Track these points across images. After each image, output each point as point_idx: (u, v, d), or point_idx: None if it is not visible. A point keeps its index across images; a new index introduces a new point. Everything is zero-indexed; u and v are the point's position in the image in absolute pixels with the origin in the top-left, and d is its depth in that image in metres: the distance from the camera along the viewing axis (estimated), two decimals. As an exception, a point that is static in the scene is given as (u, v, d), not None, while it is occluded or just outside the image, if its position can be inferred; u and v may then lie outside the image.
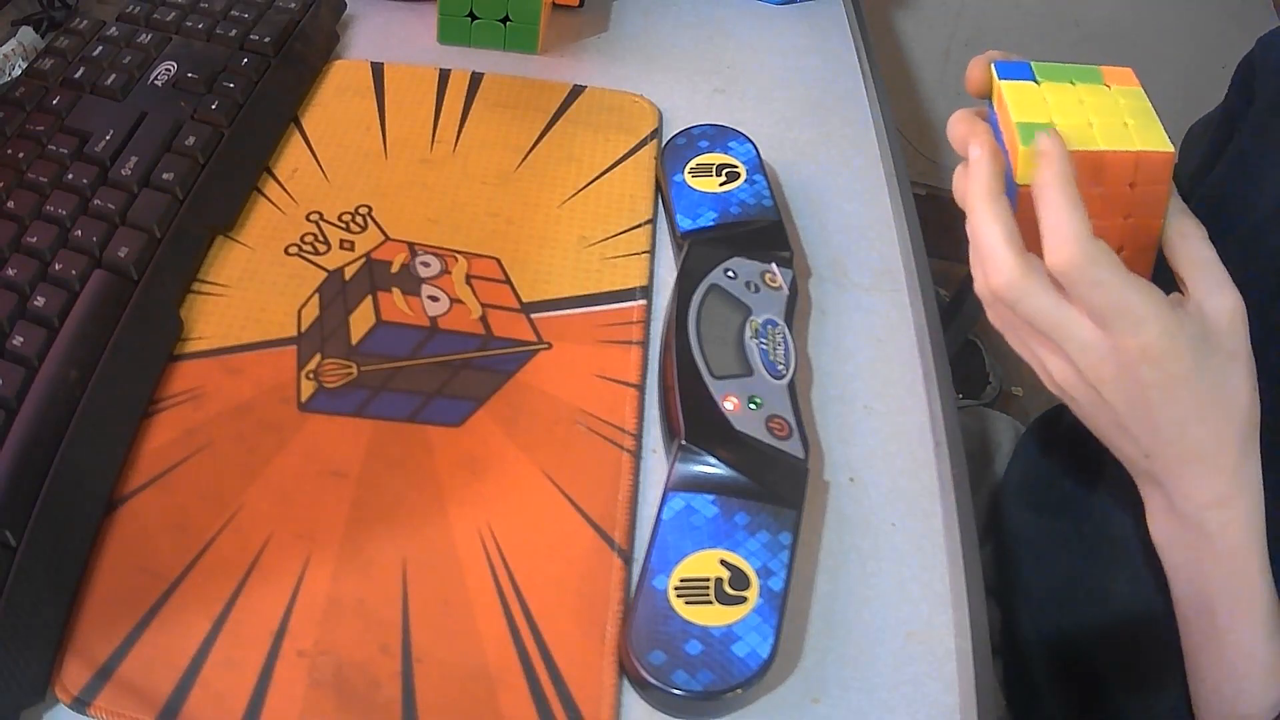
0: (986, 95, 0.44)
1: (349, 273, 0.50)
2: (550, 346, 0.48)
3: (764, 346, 0.47)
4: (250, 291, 0.49)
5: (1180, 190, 0.61)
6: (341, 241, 0.51)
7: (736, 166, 0.56)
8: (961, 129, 0.43)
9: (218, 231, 0.51)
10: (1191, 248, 0.40)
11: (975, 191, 0.40)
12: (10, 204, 0.46)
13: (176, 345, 0.46)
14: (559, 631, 0.39)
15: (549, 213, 0.55)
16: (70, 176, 0.48)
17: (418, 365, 0.47)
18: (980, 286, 0.42)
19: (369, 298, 0.49)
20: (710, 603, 0.38)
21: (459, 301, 0.49)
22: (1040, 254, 0.39)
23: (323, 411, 0.44)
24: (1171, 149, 0.41)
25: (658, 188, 0.57)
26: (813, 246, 0.56)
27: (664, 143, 0.58)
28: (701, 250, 0.51)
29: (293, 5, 0.61)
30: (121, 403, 0.43)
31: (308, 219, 0.52)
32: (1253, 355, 0.40)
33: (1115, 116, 0.42)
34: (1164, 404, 0.39)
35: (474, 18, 0.64)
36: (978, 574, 0.44)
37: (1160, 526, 0.42)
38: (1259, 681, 0.40)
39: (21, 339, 0.41)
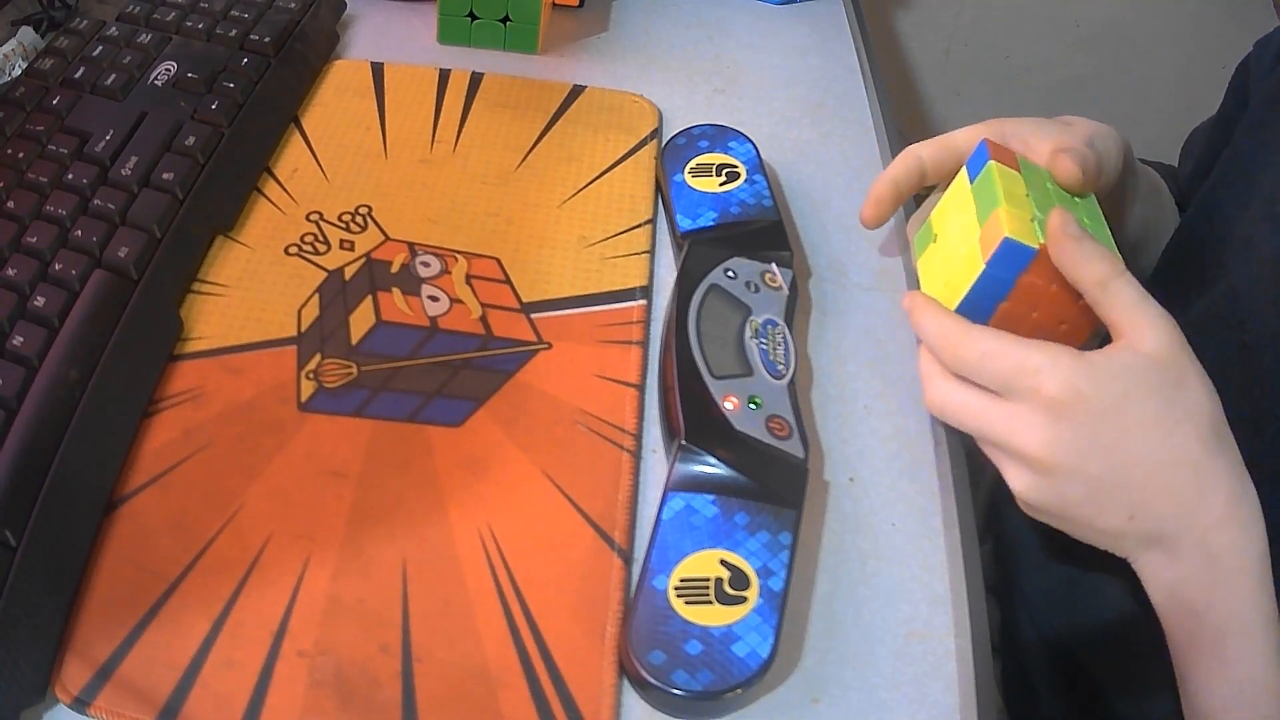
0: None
1: (349, 273, 0.50)
2: (550, 346, 0.48)
3: (764, 346, 0.47)
4: (250, 291, 0.49)
5: (1179, 195, 0.61)
6: (341, 241, 0.51)
7: (736, 166, 0.56)
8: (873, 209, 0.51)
9: (218, 231, 0.51)
10: (1111, 294, 0.40)
11: (918, 320, 0.44)
12: (10, 204, 0.46)
13: (176, 345, 0.46)
14: (559, 631, 0.39)
15: (549, 213, 0.55)
16: (70, 176, 0.48)
17: (418, 365, 0.47)
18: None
19: (369, 298, 0.49)
20: (710, 603, 0.38)
21: (459, 301, 0.49)
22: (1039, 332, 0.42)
23: (323, 411, 0.44)
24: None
25: (658, 188, 0.57)
26: (813, 246, 0.56)
27: (664, 143, 0.58)
28: (701, 250, 0.51)
29: (293, 5, 0.61)
30: (121, 403, 0.43)
31: (308, 219, 0.52)
32: (1201, 370, 0.40)
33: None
34: (1120, 437, 0.38)
35: (474, 18, 0.64)
36: (978, 574, 0.44)
37: (1163, 578, 0.41)
38: (1270, 706, 0.39)
39: (21, 339, 0.41)
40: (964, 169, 0.47)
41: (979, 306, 0.44)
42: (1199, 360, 0.40)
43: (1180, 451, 0.39)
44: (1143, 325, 0.39)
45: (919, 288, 0.47)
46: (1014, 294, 0.43)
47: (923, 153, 0.50)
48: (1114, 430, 0.38)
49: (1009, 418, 0.40)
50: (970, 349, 0.41)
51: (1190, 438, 0.39)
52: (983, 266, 0.42)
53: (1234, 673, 0.39)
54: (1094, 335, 0.44)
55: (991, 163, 0.45)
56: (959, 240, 0.45)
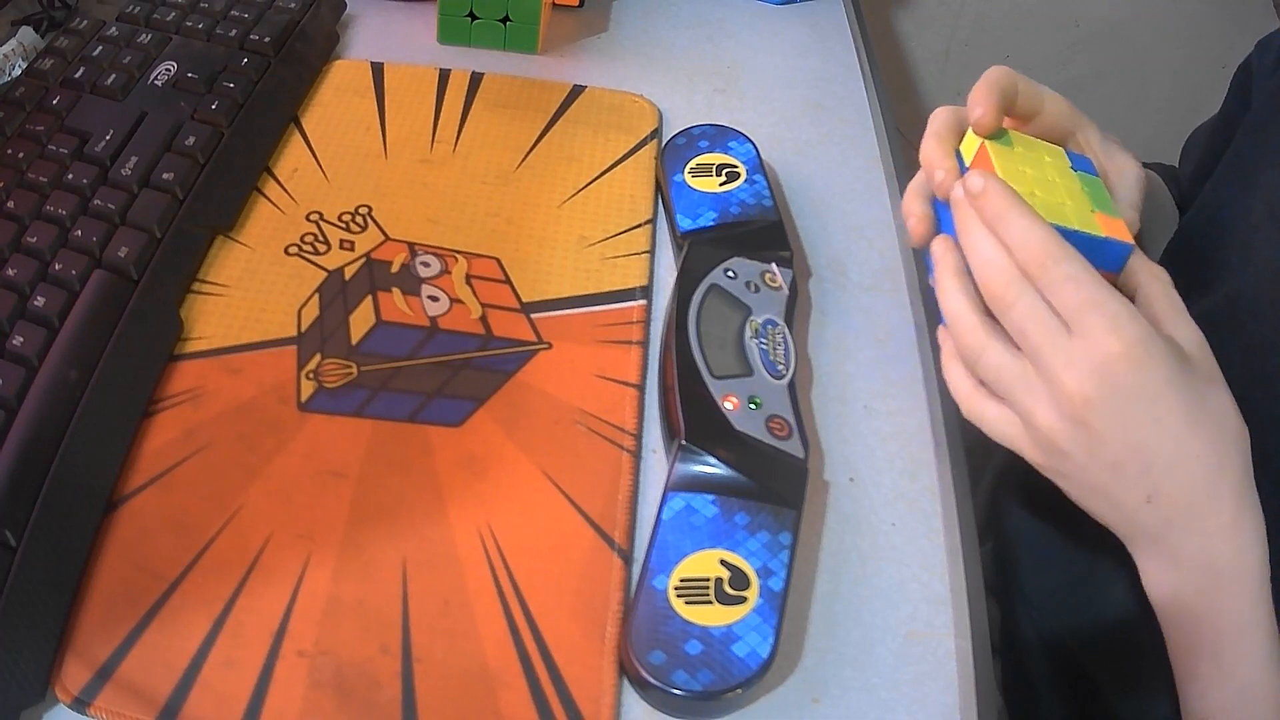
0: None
1: (349, 273, 0.50)
2: (550, 346, 0.48)
3: (764, 346, 0.47)
4: (250, 291, 0.49)
5: (1179, 196, 0.61)
6: (341, 241, 0.51)
7: (736, 166, 0.56)
8: (914, 222, 0.47)
9: (218, 231, 0.51)
10: (1154, 290, 0.41)
11: (942, 272, 0.43)
12: (10, 204, 0.46)
13: (176, 345, 0.46)
14: (559, 631, 0.39)
15: (549, 213, 0.55)
16: (70, 176, 0.48)
17: (418, 365, 0.47)
18: (947, 359, 0.44)
19: (369, 298, 0.49)
20: (710, 603, 0.38)
21: (459, 301, 0.49)
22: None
23: (323, 411, 0.44)
24: (1132, 243, 0.43)
25: (658, 188, 0.57)
26: (813, 246, 0.56)
27: (664, 143, 0.58)
28: (701, 250, 0.51)
29: (293, 5, 0.61)
30: (121, 403, 0.43)
31: (308, 219, 0.52)
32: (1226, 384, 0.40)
33: (1082, 202, 0.44)
34: (1153, 420, 0.38)
35: (474, 18, 0.64)
36: (978, 574, 0.44)
37: (1163, 579, 0.40)
38: (1268, 713, 0.39)
39: (21, 339, 0.41)
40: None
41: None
42: None
43: (1205, 448, 0.38)
44: (1182, 322, 0.41)
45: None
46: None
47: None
48: (1153, 409, 0.38)
49: (1064, 350, 0.38)
50: (1063, 266, 0.39)
51: (1217, 438, 0.39)
52: (1101, 235, 0.42)
53: (1232, 680, 0.39)
54: None
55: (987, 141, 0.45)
56: (1060, 185, 0.44)
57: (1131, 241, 0.43)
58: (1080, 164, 0.46)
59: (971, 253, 0.42)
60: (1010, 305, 0.40)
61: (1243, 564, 0.39)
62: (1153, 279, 0.42)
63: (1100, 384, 0.38)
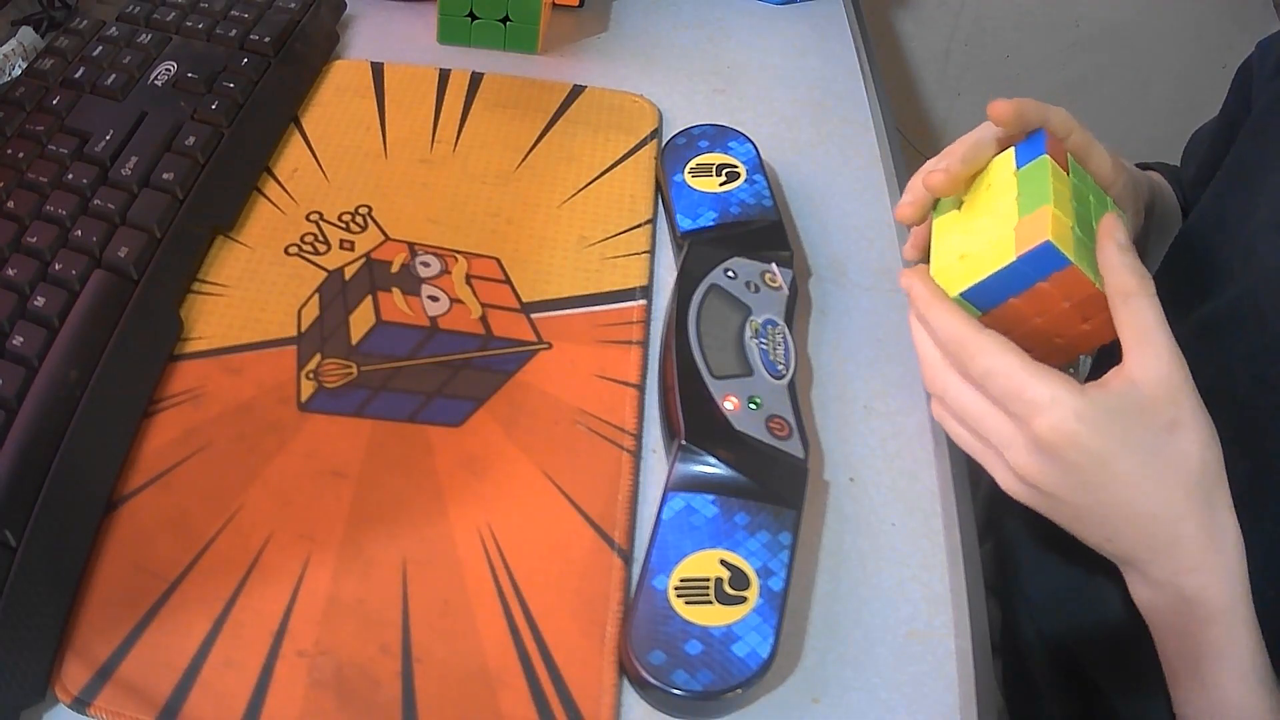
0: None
1: (349, 273, 0.50)
2: (550, 346, 0.48)
3: (764, 346, 0.47)
4: (250, 291, 0.49)
5: (1183, 200, 0.60)
6: (341, 241, 0.51)
7: (736, 166, 0.56)
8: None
9: (218, 231, 0.51)
10: (1131, 310, 0.40)
11: (911, 309, 0.44)
12: (10, 204, 0.46)
13: (176, 345, 0.46)
14: (559, 631, 0.39)
15: (549, 213, 0.55)
16: (70, 176, 0.48)
17: (418, 365, 0.47)
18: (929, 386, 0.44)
19: (369, 298, 0.49)
20: (710, 603, 0.38)
21: (459, 301, 0.49)
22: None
23: (323, 411, 0.44)
24: (1047, 238, 0.41)
25: (658, 188, 0.57)
26: (813, 246, 0.56)
27: (664, 143, 0.58)
28: (701, 250, 0.51)
29: (293, 5, 0.61)
30: (121, 403, 0.42)
31: (308, 219, 0.52)
32: (1200, 412, 0.39)
33: (1009, 211, 0.43)
34: (1104, 483, 0.39)
35: (474, 18, 0.64)
36: (978, 574, 0.44)
37: (1140, 593, 0.42)
38: None
39: (21, 339, 0.41)
40: (1012, 149, 0.45)
41: (990, 294, 0.43)
42: (1203, 370, 0.40)
43: (1160, 506, 0.39)
44: (1149, 353, 0.39)
45: (928, 251, 0.46)
46: (1029, 294, 0.42)
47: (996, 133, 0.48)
48: (1101, 475, 0.38)
49: (1003, 430, 0.40)
50: (977, 363, 0.40)
51: (1173, 491, 0.39)
52: (1013, 258, 0.41)
53: (1212, 694, 0.40)
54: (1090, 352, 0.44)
55: (1046, 157, 0.43)
56: (992, 222, 0.43)
57: (1046, 237, 0.40)
58: (1026, 154, 0.45)
59: (914, 341, 0.45)
60: (943, 393, 0.43)
61: (1215, 594, 0.39)
62: (1125, 298, 0.40)
63: (1040, 459, 0.39)
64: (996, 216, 0.43)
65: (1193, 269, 0.53)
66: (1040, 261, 0.41)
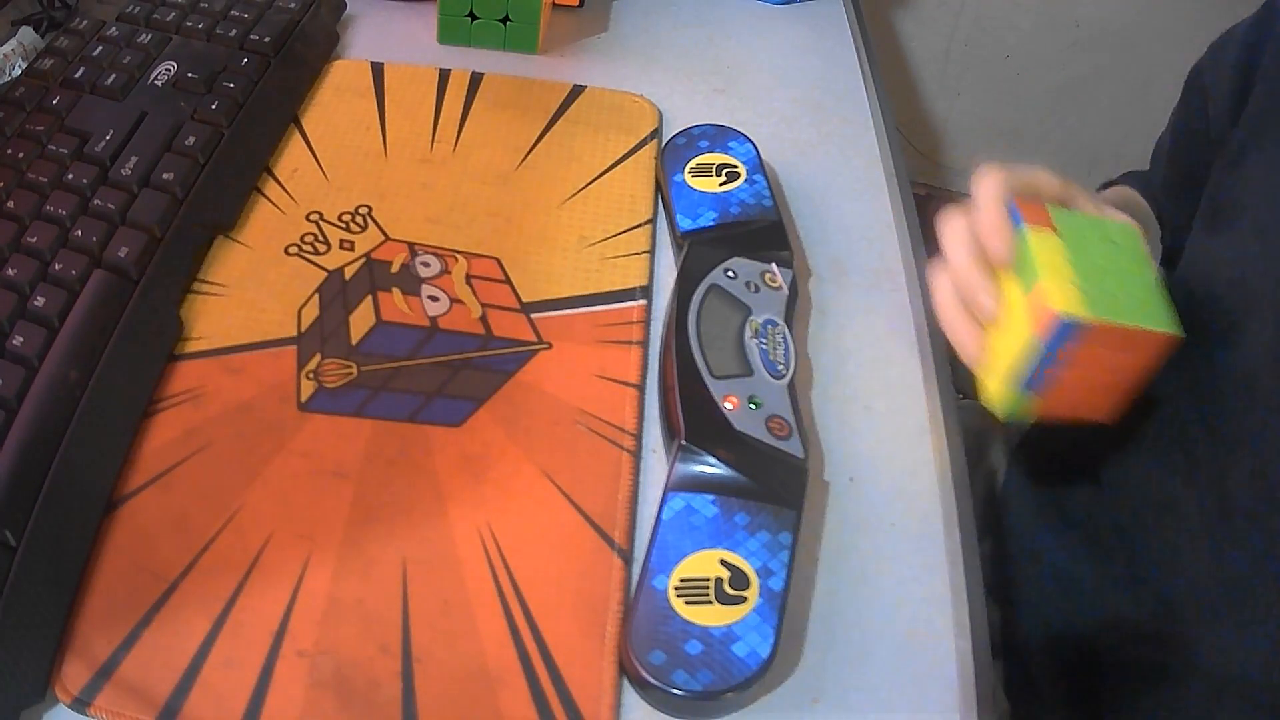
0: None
1: (349, 273, 0.50)
2: (550, 346, 0.48)
3: (764, 346, 0.47)
4: (250, 291, 0.49)
5: (1157, 209, 0.60)
6: (341, 241, 0.51)
7: (736, 166, 0.56)
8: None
9: (218, 231, 0.51)
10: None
11: (947, 221, 0.46)
12: (10, 204, 0.46)
13: (176, 345, 0.46)
14: (559, 631, 0.39)
15: (549, 213, 0.55)
16: (70, 176, 0.48)
17: (418, 365, 0.47)
18: (937, 289, 0.46)
19: (369, 298, 0.49)
20: (710, 603, 0.38)
21: (459, 301, 0.49)
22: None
23: (323, 411, 0.44)
24: (1059, 311, 0.41)
25: (658, 188, 0.57)
26: (813, 246, 0.56)
27: (664, 143, 0.58)
28: (701, 250, 0.51)
29: (293, 5, 0.61)
30: (121, 403, 0.43)
31: (308, 219, 0.52)
32: None
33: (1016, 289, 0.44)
34: None
35: (474, 18, 0.64)
36: (978, 574, 0.44)
37: None
38: None
39: (21, 339, 0.41)
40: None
41: (1030, 373, 0.42)
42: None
43: None
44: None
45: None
46: (1064, 362, 0.41)
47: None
48: None
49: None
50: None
51: None
52: (1029, 337, 0.42)
53: None
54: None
55: (1025, 228, 0.43)
56: (1006, 308, 0.44)
57: (1058, 309, 0.40)
58: (1017, 218, 0.44)
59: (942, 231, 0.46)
60: (954, 258, 0.45)
61: None
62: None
63: None
64: (1012, 302, 0.44)
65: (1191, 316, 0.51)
66: (1059, 333, 0.41)
